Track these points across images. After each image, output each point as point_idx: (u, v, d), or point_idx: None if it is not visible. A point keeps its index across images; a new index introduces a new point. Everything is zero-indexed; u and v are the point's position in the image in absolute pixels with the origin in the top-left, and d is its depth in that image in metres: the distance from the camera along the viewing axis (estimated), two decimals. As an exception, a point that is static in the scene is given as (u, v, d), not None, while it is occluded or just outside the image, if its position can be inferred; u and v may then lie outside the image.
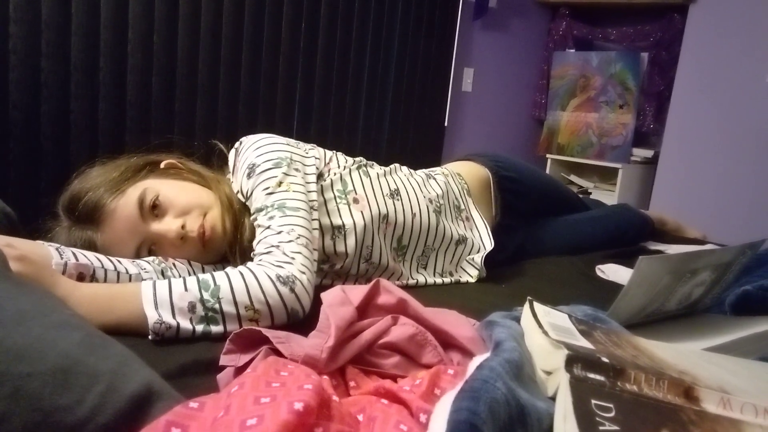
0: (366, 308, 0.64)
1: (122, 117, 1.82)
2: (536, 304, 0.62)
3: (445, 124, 2.94)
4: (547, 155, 3.26)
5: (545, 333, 0.53)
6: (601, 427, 0.38)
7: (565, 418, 0.39)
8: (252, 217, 0.86)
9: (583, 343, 0.53)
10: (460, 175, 1.21)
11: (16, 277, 0.50)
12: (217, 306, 0.68)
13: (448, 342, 0.61)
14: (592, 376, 0.43)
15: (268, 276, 0.72)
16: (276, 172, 0.87)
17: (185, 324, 0.67)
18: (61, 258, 0.71)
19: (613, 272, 1.16)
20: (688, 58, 2.58)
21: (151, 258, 0.83)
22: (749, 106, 2.37)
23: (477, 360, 0.48)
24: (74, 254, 0.74)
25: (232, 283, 0.70)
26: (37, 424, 0.36)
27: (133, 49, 1.81)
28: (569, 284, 1.08)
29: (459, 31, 2.89)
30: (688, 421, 0.40)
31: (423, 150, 2.75)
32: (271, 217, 0.81)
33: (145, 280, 0.78)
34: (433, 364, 0.57)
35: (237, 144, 0.96)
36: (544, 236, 1.32)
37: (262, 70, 2.15)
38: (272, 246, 0.78)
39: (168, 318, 0.66)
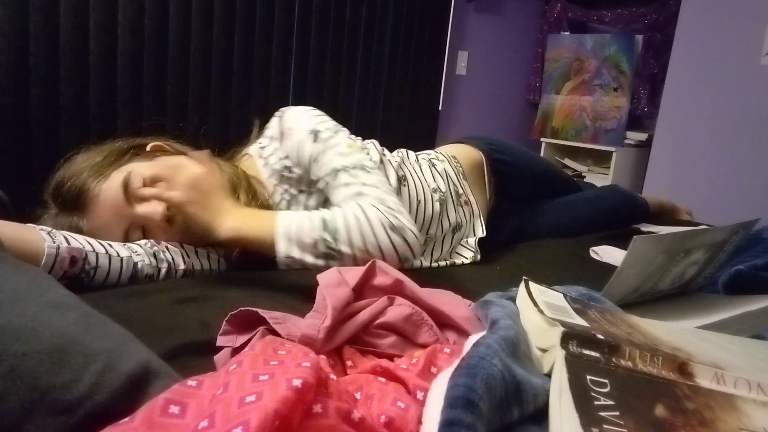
0: (362, 289, 0.64)
1: (113, 101, 1.80)
2: (531, 284, 0.62)
3: (439, 107, 2.93)
4: (542, 139, 3.26)
5: (540, 311, 0.53)
6: (596, 402, 0.38)
7: (561, 393, 0.39)
8: (321, 181, 0.87)
9: (578, 321, 0.53)
10: (455, 157, 1.21)
11: (11, 258, 0.50)
12: (335, 246, 0.77)
13: (443, 322, 0.61)
14: (587, 352, 0.44)
15: (383, 225, 0.78)
16: (342, 136, 0.89)
17: (308, 259, 0.77)
18: (54, 242, 0.70)
19: (607, 254, 1.17)
20: (683, 40, 2.57)
21: (143, 241, 0.83)
22: (743, 89, 2.37)
23: (473, 338, 0.49)
24: (66, 238, 0.73)
25: (350, 229, 0.77)
26: (33, 402, 0.36)
27: (123, 31, 1.78)
28: (563, 266, 1.09)
29: (453, 13, 2.87)
30: (683, 396, 0.41)
31: (417, 134, 2.74)
32: (355, 176, 0.84)
33: (136, 262, 0.78)
34: (429, 344, 0.57)
35: (278, 113, 0.96)
36: (539, 218, 1.33)
37: (254, 54, 2.13)
38: (379, 199, 0.81)
39: (296, 254, 0.76)
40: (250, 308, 0.57)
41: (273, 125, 0.96)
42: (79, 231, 0.81)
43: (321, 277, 0.62)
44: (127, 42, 1.80)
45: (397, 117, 2.68)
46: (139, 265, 0.79)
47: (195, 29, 1.95)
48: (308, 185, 0.93)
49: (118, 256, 0.77)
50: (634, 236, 0.66)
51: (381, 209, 0.80)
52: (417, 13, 2.66)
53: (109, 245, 0.78)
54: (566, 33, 3.24)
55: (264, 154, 0.96)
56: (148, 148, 0.92)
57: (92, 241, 0.76)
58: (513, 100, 3.39)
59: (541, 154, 3.22)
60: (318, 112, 0.93)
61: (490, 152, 1.25)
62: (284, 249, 0.77)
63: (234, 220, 0.78)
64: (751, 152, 2.36)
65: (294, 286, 0.80)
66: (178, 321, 0.67)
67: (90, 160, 0.86)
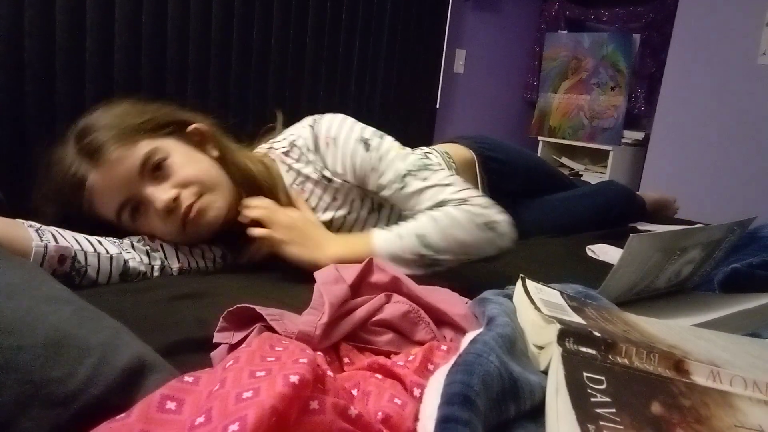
0: (359, 286, 0.64)
1: (109, 98, 1.79)
2: (528, 281, 0.62)
3: (437, 106, 2.93)
4: (539, 137, 3.26)
5: (537, 309, 0.53)
6: (592, 399, 0.38)
7: (558, 390, 0.39)
8: (386, 189, 0.86)
9: (575, 318, 0.53)
10: (447, 153, 1.22)
11: (5, 252, 0.50)
12: (437, 257, 0.80)
13: (440, 319, 0.61)
14: (583, 349, 0.44)
15: (476, 226, 0.79)
16: (389, 140, 0.89)
17: (416, 272, 0.79)
18: (41, 240, 0.69)
19: (604, 252, 1.17)
20: (680, 39, 2.57)
21: (136, 238, 0.82)
22: (740, 88, 2.38)
23: (470, 335, 0.49)
24: (54, 236, 0.72)
25: (447, 239, 0.79)
26: (28, 396, 0.36)
27: (120, 28, 1.77)
28: (560, 264, 1.09)
29: (451, 11, 2.87)
30: (679, 393, 0.41)
31: (414, 132, 2.74)
32: (425, 178, 0.84)
33: (126, 260, 0.78)
34: (426, 341, 0.57)
35: (308, 122, 0.92)
36: (534, 215, 1.33)
37: (252, 52, 2.13)
38: (460, 200, 0.81)
39: (404, 271, 0.76)
40: (247, 305, 0.56)
41: (304, 135, 0.91)
42: (82, 181, 0.78)
43: (318, 274, 0.62)
44: (124, 39, 1.78)
45: (394, 115, 2.67)
46: (130, 262, 0.78)
47: (192, 27, 1.94)
48: (345, 195, 0.92)
49: (107, 253, 0.76)
50: (631, 234, 0.66)
51: (468, 210, 0.80)
52: (414, 11, 2.66)
53: (99, 242, 0.77)
54: (564, 32, 3.24)
55: (287, 161, 0.93)
56: (188, 129, 0.88)
57: (81, 239, 0.75)
58: (510, 99, 3.39)
59: (539, 152, 3.23)
60: (352, 119, 0.92)
61: (481, 150, 1.25)
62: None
63: (334, 250, 0.81)
64: (747, 151, 2.37)
65: (291, 283, 0.80)
66: (174, 317, 0.67)
67: (126, 118, 0.82)
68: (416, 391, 0.44)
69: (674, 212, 1.75)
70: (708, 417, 0.38)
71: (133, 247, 0.81)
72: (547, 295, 0.60)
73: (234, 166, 0.89)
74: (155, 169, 0.80)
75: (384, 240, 0.80)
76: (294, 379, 0.34)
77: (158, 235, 0.84)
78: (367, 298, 0.61)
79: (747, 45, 2.35)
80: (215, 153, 0.90)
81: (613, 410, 0.37)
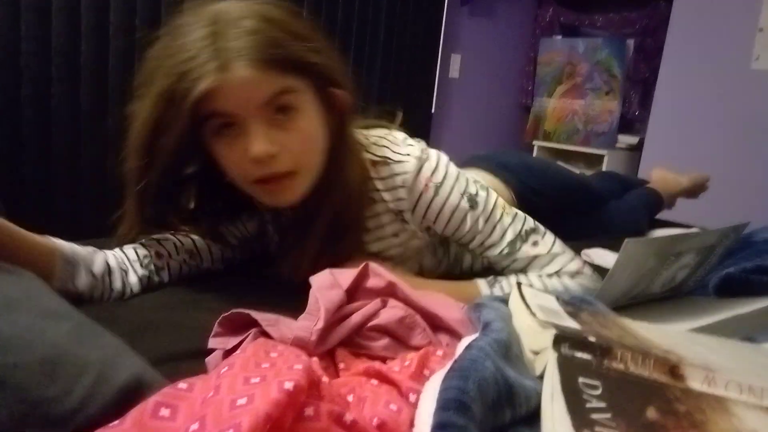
0: (355, 291, 0.63)
1: (104, 102, 1.79)
2: (524, 287, 0.62)
3: (432, 110, 2.93)
4: (534, 142, 3.27)
5: (533, 314, 0.53)
6: (588, 404, 0.38)
7: (553, 395, 0.39)
8: (492, 254, 0.84)
9: (571, 323, 0.53)
10: (495, 191, 1.14)
11: (5, 265, 0.49)
12: None
13: (436, 324, 0.61)
14: (579, 354, 0.44)
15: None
16: (493, 196, 0.84)
17: None
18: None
19: (599, 257, 1.18)
20: (674, 45, 2.59)
21: (144, 252, 0.80)
22: (734, 93, 2.39)
23: (466, 341, 0.49)
24: (73, 277, 0.70)
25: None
26: (24, 415, 0.35)
27: (115, 31, 1.77)
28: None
29: (446, 16, 2.88)
30: (674, 398, 0.41)
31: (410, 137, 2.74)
32: (535, 243, 0.83)
33: (124, 293, 0.76)
34: (422, 346, 0.57)
35: (418, 152, 0.82)
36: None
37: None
38: (574, 272, 0.83)
39: None
40: (242, 310, 0.56)
41: (406, 164, 0.81)
42: (200, 77, 0.65)
43: (314, 280, 0.61)
44: (119, 42, 1.78)
45: (390, 120, 2.67)
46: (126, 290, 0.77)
47: (188, 30, 1.95)
48: (408, 236, 0.87)
49: (111, 290, 0.75)
50: (626, 239, 0.66)
51: (582, 284, 0.83)
52: (410, 16, 2.67)
53: (109, 275, 0.74)
54: (558, 37, 3.26)
55: (371, 173, 0.83)
56: (331, 90, 0.77)
57: (98, 272, 0.72)
58: (506, 103, 3.40)
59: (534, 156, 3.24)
60: (451, 163, 0.84)
61: (522, 191, 1.19)
62: None
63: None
64: (741, 156, 2.38)
65: (286, 288, 0.80)
66: (169, 323, 0.66)
67: (293, 45, 0.69)
68: (412, 397, 0.44)
69: (705, 189, 1.85)
70: (703, 422, 0.38)
71: (140, 263, 0.78)
72: (543, 300, 0.60)
73: (334, 158, 0.78)
74: (278, 110, 0.70)
75: (494, 290, 0.81)
76: (289, 385, 0.34)
77: (225, 164, 0.73)
78: (362, 303, 0.61)
79: (740, 50, 2.37)
80: (329, 131, 0.78)
81: (609, 416, 0.37)
